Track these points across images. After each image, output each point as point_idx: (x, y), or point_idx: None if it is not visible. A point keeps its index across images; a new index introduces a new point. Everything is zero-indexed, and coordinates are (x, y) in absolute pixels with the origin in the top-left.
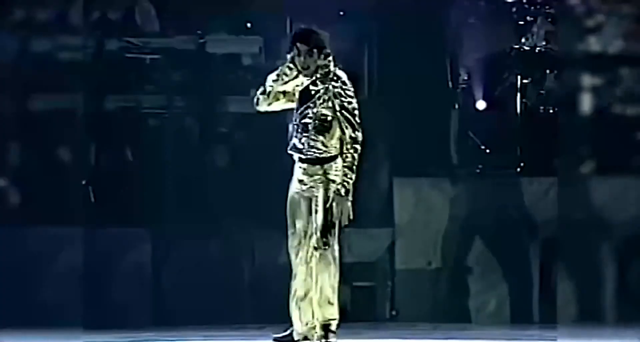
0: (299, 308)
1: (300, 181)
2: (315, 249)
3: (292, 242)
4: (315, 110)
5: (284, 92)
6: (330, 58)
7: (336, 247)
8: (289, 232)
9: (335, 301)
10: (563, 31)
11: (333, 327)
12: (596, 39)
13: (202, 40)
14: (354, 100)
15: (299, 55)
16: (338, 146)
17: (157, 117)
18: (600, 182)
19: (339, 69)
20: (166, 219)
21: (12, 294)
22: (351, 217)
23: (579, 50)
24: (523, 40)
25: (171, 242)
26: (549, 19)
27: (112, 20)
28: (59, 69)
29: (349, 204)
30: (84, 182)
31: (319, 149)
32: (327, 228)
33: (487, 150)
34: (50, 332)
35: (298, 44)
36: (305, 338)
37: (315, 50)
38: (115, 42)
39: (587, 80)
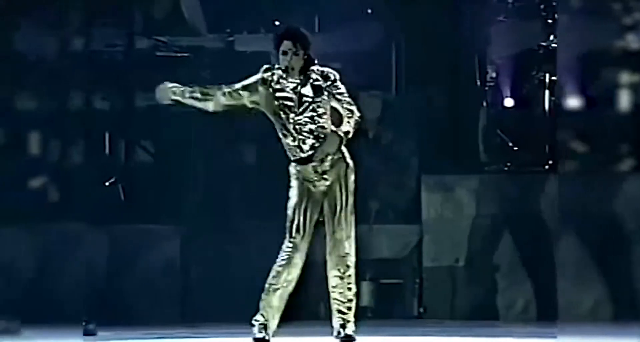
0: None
1: (316, 180)
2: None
3: (288, 247)
4: (319, 104)
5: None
6: (315, 60)
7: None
8: (289, 237)
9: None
10: (593, 28)
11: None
12: (628, 36)
13: (230, 39)
14: (342, 87)
15: (284, 54)
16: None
17: (186, 115)
18: (631, 180)
19: (319, 66)
20: (195, 216)
21: (33, 289)
22: (330, 148)
23: (608, 47)
24: (551, 37)
25: (200, 240)
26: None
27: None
28: (91, 67)
29: (336, 144)
30: (113, 180)
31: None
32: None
33: (515, 148)
34: (70, 328)
35: (285, 42)
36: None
37: (302, 51)
38: (145, 40)
39: (617, 76)
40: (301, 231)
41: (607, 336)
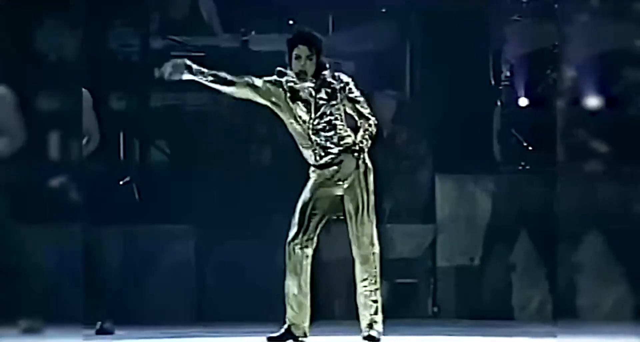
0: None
1: (333, 185)
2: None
3: (292, 242)
4: (335, 108)
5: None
6: (327, 64)
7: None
8: (293, 235)
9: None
10: (608, 28)
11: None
12: None
13: (245, 38)
14: (357, 92)
15: (298, 58)
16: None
17: (201, 115)
18: None
19: (335, 71)
20: (211, 216)
21: (51, 289)
22: (349, 170)
23: (623, 47)
24: (565, 37)
25: (215, 239)
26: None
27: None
28: (106, 66)
29: (354, 164)
30: (127, 179)
31: (346, 141)
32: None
33: (530, 147)
34: (85, 327)
35: (299, 47)
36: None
37: (315, 55)
38: (160, 40)
39: (631, 77)
40: (304, 228)
41: (608, 335)
